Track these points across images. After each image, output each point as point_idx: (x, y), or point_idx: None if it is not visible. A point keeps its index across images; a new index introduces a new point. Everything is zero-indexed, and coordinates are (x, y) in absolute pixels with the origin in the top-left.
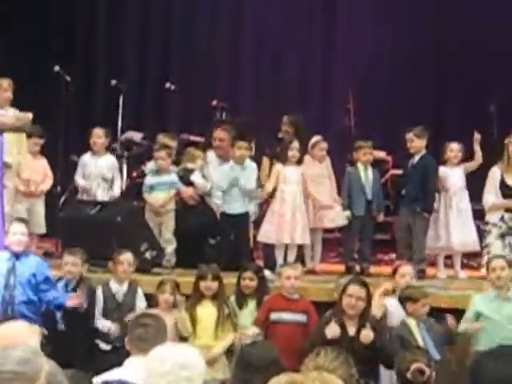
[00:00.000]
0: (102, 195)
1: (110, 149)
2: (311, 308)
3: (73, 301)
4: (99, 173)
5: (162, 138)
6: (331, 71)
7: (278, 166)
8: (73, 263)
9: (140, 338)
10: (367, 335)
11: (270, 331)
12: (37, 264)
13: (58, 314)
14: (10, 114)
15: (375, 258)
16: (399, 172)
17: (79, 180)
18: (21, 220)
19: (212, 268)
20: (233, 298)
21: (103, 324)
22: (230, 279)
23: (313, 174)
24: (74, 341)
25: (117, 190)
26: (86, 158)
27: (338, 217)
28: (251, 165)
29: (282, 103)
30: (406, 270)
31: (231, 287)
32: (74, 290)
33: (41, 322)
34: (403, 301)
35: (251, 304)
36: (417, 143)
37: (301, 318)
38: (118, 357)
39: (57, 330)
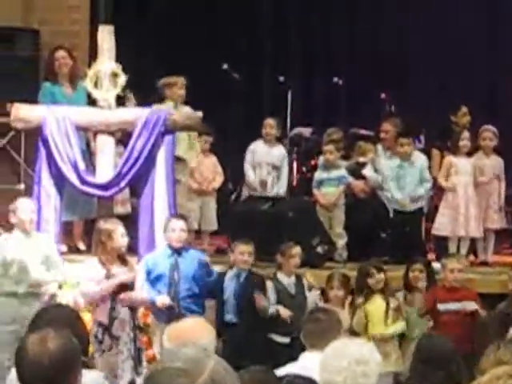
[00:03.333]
0: (271, 184)
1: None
2: (476, 295)
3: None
4: (270, 161)
5: (329, 133)
6: (497, 61)
7: (449, 158)
8: (249, 253)
9: (312, 333)
10: None
11: (440, 321)
12: (198, 257)
13: (230, 306)
14: (184, 111)
15: None
16: None
17: (249, 171)
18: (180, 216)
19: (375, 262)
20: (400, 293)
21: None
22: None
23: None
24: (247, 333)
25: (284, 183)
26: (258, 145)
27: (499, 220)
28: (420, 158)
29: (449, 94)
30: None
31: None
32: (246, 280)
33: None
34: None
35: (418, 296)
36: None
37: (469, 305)
38: (294, 351)
39: (226, 322)
